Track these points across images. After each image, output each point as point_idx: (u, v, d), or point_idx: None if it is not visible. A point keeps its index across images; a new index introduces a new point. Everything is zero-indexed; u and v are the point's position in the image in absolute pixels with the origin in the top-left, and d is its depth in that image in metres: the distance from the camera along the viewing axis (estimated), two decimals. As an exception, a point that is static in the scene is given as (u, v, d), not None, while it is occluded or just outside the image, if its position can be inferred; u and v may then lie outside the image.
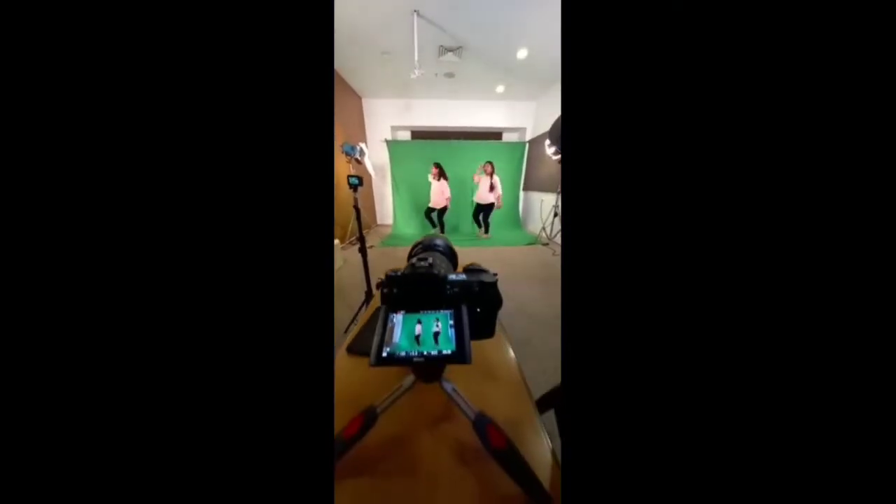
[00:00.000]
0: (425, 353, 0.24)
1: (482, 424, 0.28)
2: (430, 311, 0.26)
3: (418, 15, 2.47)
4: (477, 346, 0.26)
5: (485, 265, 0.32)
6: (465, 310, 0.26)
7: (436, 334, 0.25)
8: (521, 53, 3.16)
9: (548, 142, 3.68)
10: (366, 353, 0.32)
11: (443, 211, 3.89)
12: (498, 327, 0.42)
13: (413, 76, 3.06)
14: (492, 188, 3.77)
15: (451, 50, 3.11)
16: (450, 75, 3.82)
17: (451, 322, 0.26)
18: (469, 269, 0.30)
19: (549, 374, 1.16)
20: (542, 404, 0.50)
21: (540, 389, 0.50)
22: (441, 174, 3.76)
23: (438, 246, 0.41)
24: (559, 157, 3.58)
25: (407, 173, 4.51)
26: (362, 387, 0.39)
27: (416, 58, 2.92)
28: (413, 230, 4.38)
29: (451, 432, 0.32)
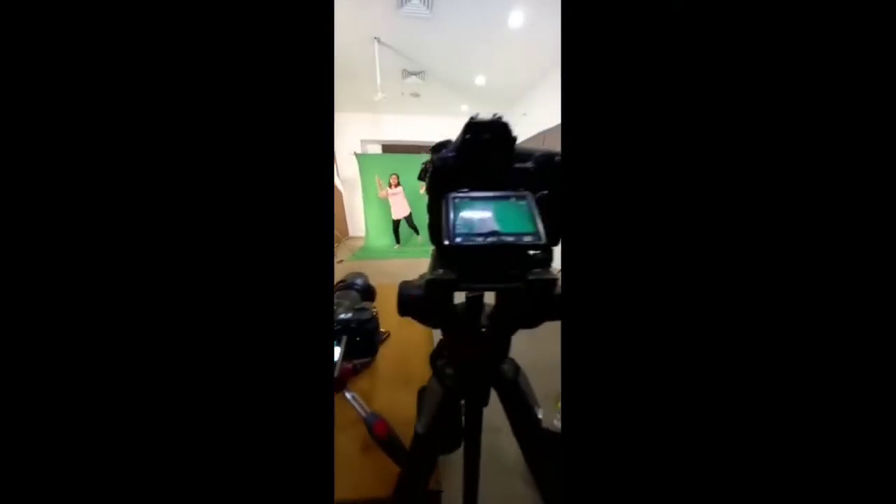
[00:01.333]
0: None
1: (370, 421, 0.40)
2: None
3: (379, 42, 2.62)
4: (399, 348, 0.32)
5: None
6: (344, 340, 0.34)
7: None
8: (480, 80, 3.44)
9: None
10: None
11: (398, 223, 3.96)
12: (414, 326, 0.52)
13: (377, 98, 3.19)
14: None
15: (414, 73, 3.29)
16: (415, 95, 4.01)
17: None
18: (357, 307, 0.41)
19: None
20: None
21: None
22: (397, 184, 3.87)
23: (356, 285, 0.53)
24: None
25: (377, 186, 4.56)
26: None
27: (378, 82, 3.05)
28: (386, 242, 4.41)
29: (362, 434, 0.43)
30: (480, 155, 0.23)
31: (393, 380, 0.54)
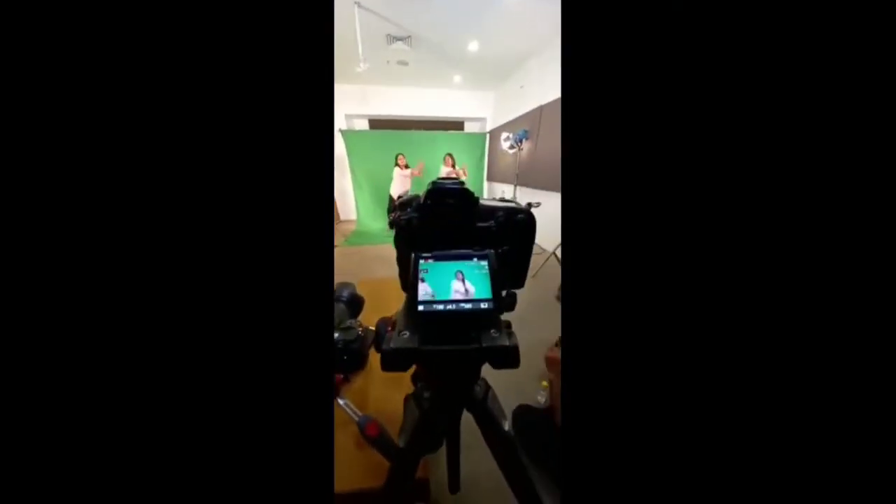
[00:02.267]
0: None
1: (362, 423, 0.45)
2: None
3: (359, 6, 2.35)
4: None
5: None
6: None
7: None
8: (473, 46, 3.16)
9: (504, 135, 3.83)
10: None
11: None
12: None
13: (359, 69, 2.94)
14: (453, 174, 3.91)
15: (399, 39, 3.00)
16: (403, 63, 3.69)
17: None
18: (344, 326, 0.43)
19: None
20: None
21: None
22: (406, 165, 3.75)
23: (342, 298, 0.56)
24: (514, 150, 3.76)
25: (367, 165, 4.37)
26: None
27: (360, 51, 2.79)
28: (380, 224, 4.35)
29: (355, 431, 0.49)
30: (443, 218, 0.25)
31: (385, 378, 0.59)
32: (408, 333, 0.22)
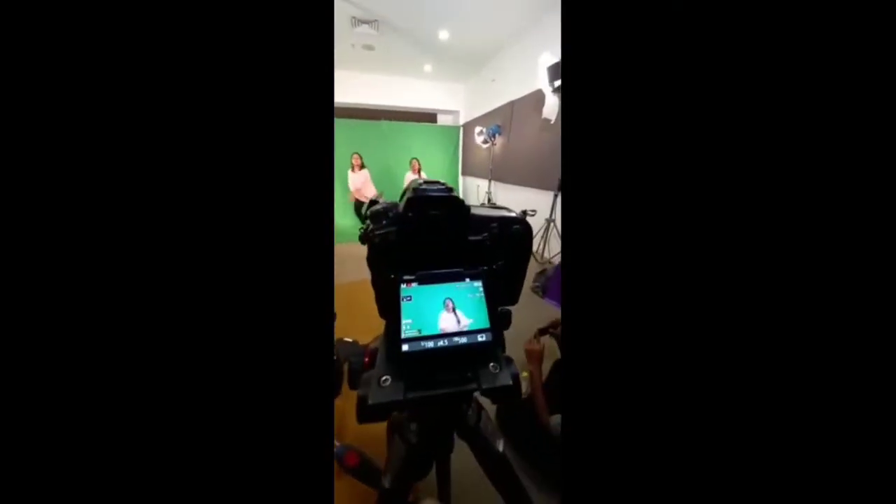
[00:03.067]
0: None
1: (340, 453, 0.40)
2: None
3: (317, -21, 2.12)
4: None
5: None
6: None
7: None
8: (443, 35, 3.07)
9: (478, 129, 3.82)
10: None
11: (361, 204, 3.71)
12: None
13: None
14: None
15: (365, 22, 2.80)
16: (369, 47, 3.47)
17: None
18: None
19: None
20: None
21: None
22: (361, 165, 3.52)
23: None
24: (487, 145, 3.78)
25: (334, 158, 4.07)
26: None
27: (323, 31, 2.55)
28: (350, 221, 4.12)
29: None
30: (428, 232, 0.21)
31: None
32: (389, 379, 0.18)
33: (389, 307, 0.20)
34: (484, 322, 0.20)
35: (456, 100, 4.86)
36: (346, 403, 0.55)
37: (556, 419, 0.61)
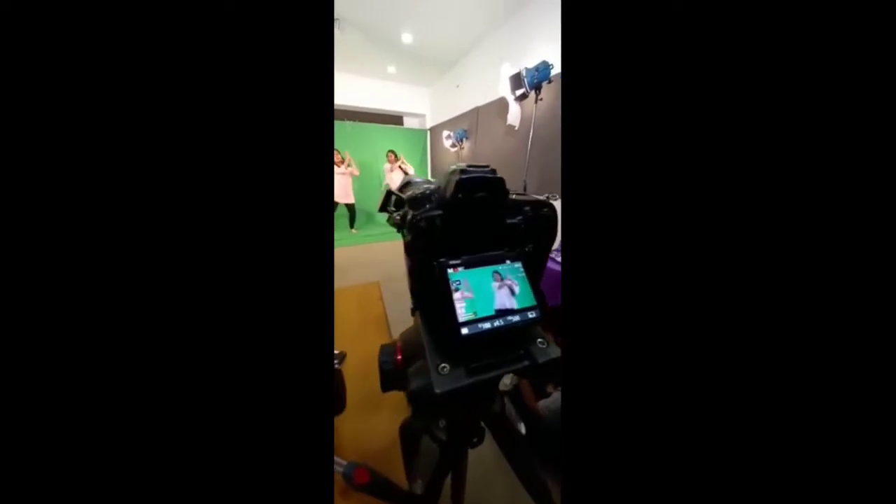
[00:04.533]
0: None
1: (348, 473, 0.37)
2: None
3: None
4: (358, 368, 0.27)
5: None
6: None
7: None
8: (407, 38, 3.07)
9: (445, 133, 3.88)
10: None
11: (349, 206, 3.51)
12: (390, 337, 0.50)
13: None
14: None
15: (325, 17, 2.66)
16: (330, 45, 3.30)
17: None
18: None
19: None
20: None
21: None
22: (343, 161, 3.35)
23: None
24: (455, 148, 3.86)
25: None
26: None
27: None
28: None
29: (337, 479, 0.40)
30: (473, 214, 0.21)
31: (360, 406, 0.50)
32: (447, 367, 0.18)
33: (434, 294, 0.19)
34: (531, 300, 0.21)
35: (422, 103, 4.88)
36: (343, 421, 0.50)
37: (542, 403, 0.64)
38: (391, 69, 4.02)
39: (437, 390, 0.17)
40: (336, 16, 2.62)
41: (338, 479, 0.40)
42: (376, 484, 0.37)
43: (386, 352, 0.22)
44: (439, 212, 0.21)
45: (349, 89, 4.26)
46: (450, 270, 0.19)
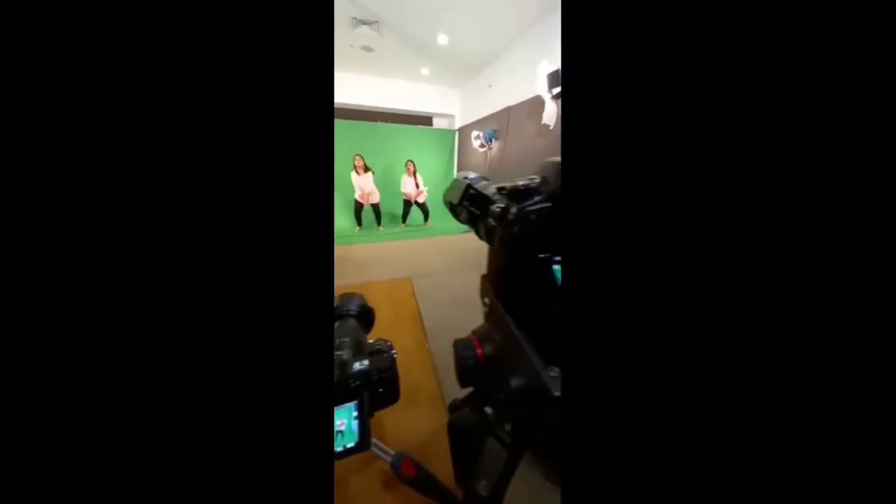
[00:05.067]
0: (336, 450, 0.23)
1: (396, 463, 0.37)
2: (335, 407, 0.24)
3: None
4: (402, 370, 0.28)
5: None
6: (366, 396, 0.25)
7: (339, 432, 0.23)
8: (442, 39, 3.10)
9: (474, 133, 3.87)
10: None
11: (362, 207, 3.62)
12: (424, 334, 0.50)
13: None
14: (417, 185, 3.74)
15: (366, 23, 2.79)
16: (367, 49, 3.45)
17: (355, 414, 0.24)
18: (371, 349, 0.34)
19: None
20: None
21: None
22: (365, 167, 3.48)
23: (351, 311, 0.45)
24: (484, 149, 3.83)
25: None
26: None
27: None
28: (346, 222, 4.02)
29: (381, 469, 0.41)
30: None
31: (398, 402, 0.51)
32: (557, 370, 0.17)
33: (532, 292, 0.19)
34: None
35: (451, 104, 4.91)
36: (385, 413, 0.51)
37: None
38: (424, 71, 4.09)
39: (557, 393, 0.16)
40: (374, 18, 2.72)
41: (383, 469, 0.40)
42: (422, 478, 0.37)
43: (465, 346, 0.22)
44: (548, 204, 0.20)
45: (382, 91, 4.41)
46: (555, 267, 0.19)
